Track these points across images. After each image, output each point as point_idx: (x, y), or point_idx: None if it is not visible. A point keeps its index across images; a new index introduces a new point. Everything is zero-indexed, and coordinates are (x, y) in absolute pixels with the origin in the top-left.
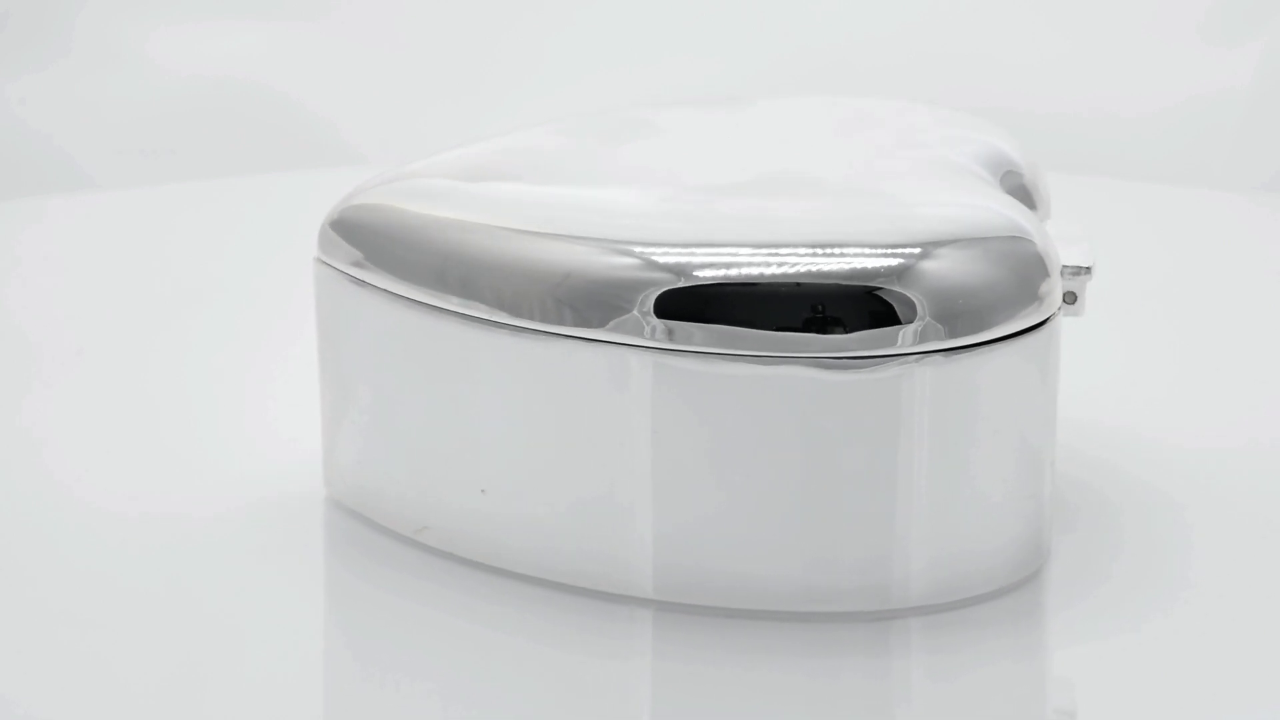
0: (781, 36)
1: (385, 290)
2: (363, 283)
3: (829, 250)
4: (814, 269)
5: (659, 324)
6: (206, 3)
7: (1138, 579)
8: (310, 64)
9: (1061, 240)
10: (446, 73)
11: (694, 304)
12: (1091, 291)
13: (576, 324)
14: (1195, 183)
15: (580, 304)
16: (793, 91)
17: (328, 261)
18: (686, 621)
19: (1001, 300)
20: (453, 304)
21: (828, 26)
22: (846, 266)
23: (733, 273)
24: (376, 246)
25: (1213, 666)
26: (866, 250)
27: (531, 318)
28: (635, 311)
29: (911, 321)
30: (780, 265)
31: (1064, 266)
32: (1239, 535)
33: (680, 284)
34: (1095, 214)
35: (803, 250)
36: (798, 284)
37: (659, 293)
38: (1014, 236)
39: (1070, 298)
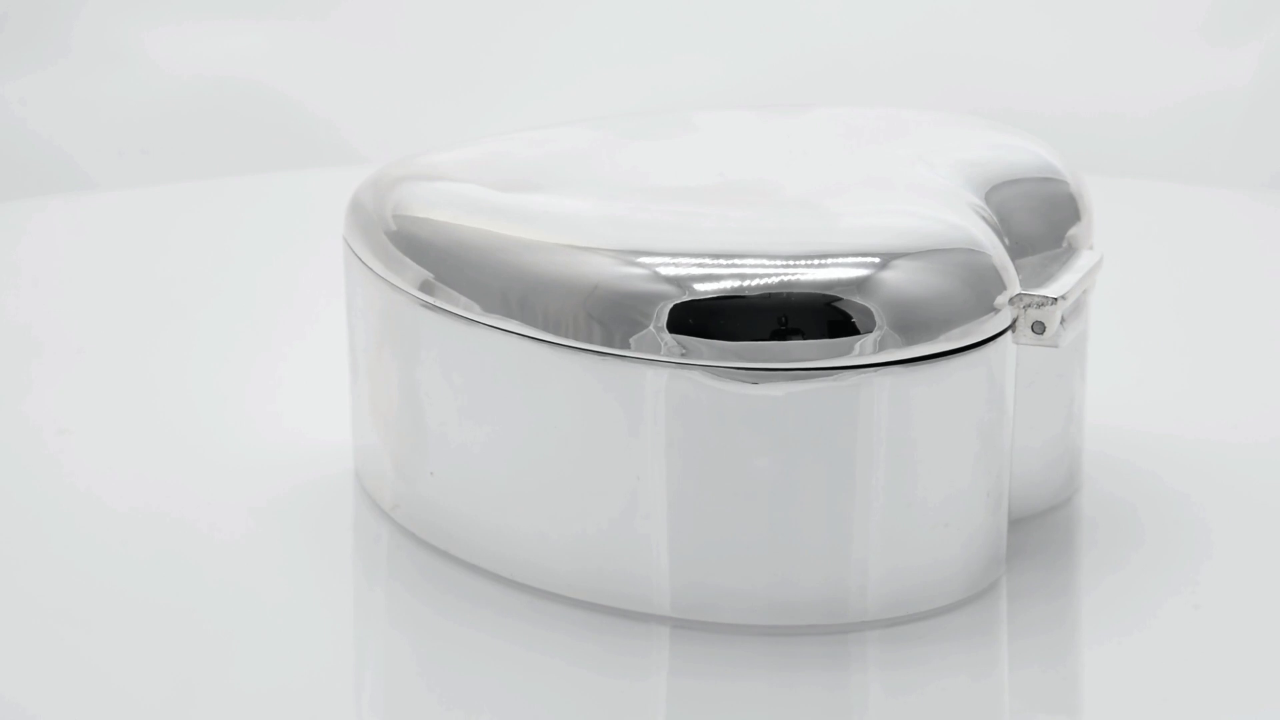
0: (782, 37)
1: (398, 288)
2: (377, 275)
3: (777, 261)
4: (772, 280)
5: (670, 338)
6: (206, 3)
7: (1126, 584)
8: (310, 64)
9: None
10: (446, 73)
11: (697, 317)
12: (1093, 294)
13: (602, 340)
14: (1196, 182)
15: (604, 317)
16: (851, 101)
17: (352, 246)
18: (671, 633)
19: (957, 311)
20: (458, 306)
21: (827, 28)
22: (804, 277)
23: (702, 286)
24: (409, 247)
25: (1203, 671)
26: (823, 261)
27: (553, 330)
28: (652, 326)
29: (870, 331)
30: (737, 277)
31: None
32: (1243, 534)
33: (685, 298)
34: (1095, 213)
35: (748, 262)
36: (765, 295)
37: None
38: (968, 249)
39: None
